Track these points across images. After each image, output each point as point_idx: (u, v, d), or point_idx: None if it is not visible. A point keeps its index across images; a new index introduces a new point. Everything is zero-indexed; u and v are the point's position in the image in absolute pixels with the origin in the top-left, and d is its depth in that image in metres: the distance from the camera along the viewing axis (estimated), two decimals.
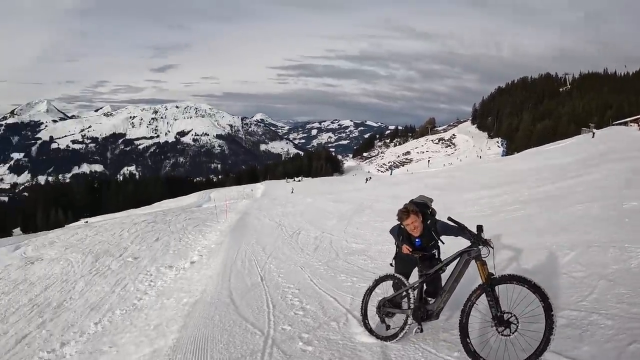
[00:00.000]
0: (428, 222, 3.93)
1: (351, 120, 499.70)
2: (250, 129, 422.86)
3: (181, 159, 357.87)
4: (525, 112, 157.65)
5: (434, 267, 3.87)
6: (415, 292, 3.92)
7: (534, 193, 11.73)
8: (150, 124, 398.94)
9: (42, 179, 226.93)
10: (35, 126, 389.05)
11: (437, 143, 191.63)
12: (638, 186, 8.70)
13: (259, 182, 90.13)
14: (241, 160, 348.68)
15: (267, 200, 30.63)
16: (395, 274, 4.19)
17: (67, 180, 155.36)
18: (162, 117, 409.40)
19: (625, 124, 70.30)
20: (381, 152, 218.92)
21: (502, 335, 3.13)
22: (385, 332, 4.03)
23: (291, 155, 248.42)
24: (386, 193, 21.05)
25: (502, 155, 63.35)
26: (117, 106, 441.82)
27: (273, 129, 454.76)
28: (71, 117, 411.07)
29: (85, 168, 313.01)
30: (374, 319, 4.23)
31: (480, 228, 3.59)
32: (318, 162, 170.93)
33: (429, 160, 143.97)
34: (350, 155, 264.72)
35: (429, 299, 3.92)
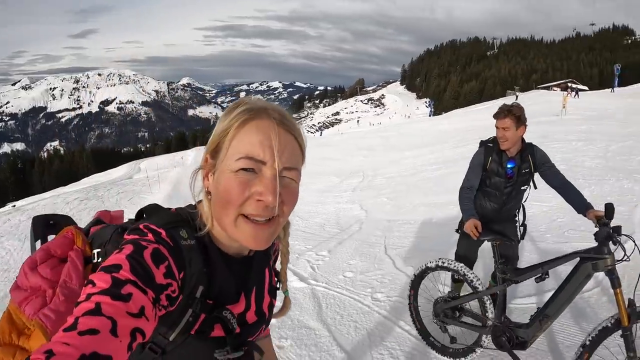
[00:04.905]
0: (526, 143, 2.97)
1: (280, 82, 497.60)
2: (177, 94, 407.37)
3: (106, 130, 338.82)
4: (453, 74, 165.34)
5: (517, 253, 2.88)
6: (491, 302, 2.67)
7: (455, 154, 12.76)
8: (72, 95, 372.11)
9: None
10: None
11: (366, 103, 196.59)
12: None
13: (189, 149, 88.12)
14: (169, 127, 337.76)
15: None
16: (453, 263, 2.83)
17: None
18: (84, 87, 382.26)
19: (549, 88, 76.00)
20: (310, 113, 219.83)
21: None
22: (450, 344, 2.87)
23: None
24: (314, 154, 21.67)
25: (430, 116, 66.39)
26: (36, 78, 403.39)
27: (200, 93, 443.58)
28: None
29: (6, 148, 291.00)
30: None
31: (609, 209, 2.21)
32: None
33: (358, 120, 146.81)
34: None
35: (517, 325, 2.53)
